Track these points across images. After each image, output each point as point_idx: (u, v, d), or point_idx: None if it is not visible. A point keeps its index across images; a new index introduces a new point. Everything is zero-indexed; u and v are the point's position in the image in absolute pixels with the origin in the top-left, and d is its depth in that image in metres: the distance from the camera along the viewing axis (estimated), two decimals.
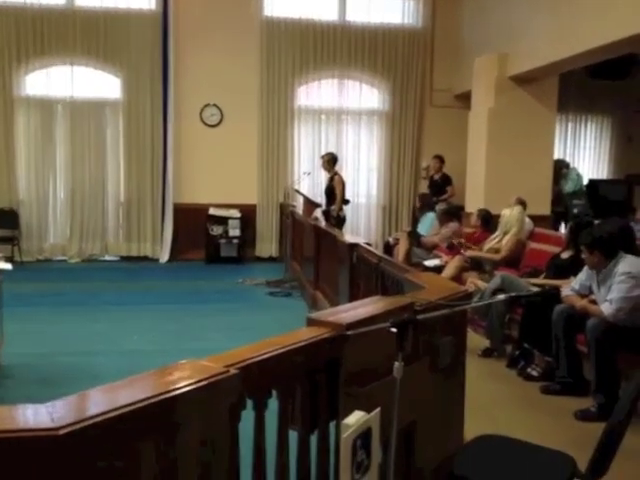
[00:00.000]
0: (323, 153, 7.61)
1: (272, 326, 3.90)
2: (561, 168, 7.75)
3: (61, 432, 1.01)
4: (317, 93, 8.43)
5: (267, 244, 8.37)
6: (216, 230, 7.89)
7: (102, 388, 1.22)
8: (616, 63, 6.56)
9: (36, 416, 1.08)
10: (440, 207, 6.52)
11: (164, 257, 8.08)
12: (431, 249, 6.12)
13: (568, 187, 7.59)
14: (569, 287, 3.51)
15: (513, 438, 1.95)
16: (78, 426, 1.03)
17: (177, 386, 1.21)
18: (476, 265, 5.13)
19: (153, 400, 1.15)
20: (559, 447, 1.91)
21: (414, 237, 6.26)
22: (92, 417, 1.06)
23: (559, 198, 7.43)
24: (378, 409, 1.41)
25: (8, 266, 3.69)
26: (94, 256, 8.05)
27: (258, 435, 1.48)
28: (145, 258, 8.10)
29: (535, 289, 3.67)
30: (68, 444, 1.02)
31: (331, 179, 7.10)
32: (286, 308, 5.59)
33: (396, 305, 1.95)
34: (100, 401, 1.16)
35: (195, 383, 1.24)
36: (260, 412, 1.48)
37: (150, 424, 1.16)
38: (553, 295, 3.51)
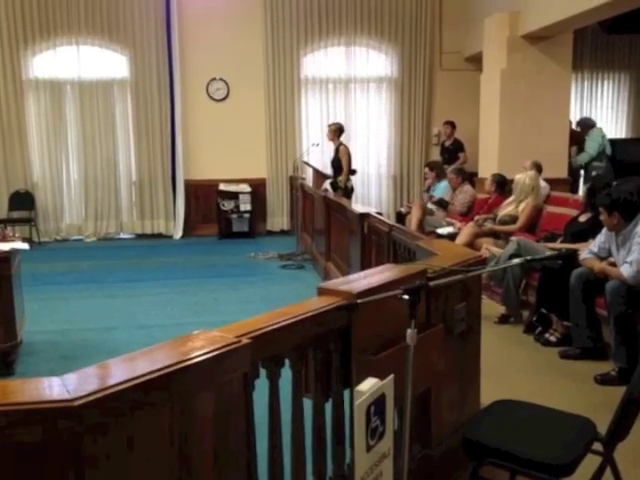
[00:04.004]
0: (330, 122, 7.50)
1: (285, 298, 3.89)
2: (590, 127, 7.40)
3: (76, 403, 1.03)
4: (324, 62, 8.26)
5: (278, 217, 8.35)
6: (227, 205, 7.89)
7: (116, 360, 1.23)
8: (632, 16, 6.28)
9: (52, 388, 1.09)
10: (450, 169, 6.43)
11: (178, 234, 8.12)
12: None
13: (591, 149, 7.27)
14: (587, 250, 3.44)
15: (530, 403, 1.94)
16: (93, 397, 1.05)
17: (189, 357, 1.22)
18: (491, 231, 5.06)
19: (165, 371, 1.16)
20: (579, 412, 1.89)
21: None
22: (106, 388, 1.07)
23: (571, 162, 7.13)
24: (391, 376, 1.40)
25: (25, 246, 3.73)
26: (110, 235, 8.13)
27: (273, 403, 1.49)
28: (159, 235, 8.15)
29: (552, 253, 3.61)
30: (83, 414, 1.03)
31: (336, 150, 7.01)
32: (299, 280, 5.60)
33: (408, 272, 1.92)
34: (114, 372, 1.17)
35: (207, 353, 1.24)
36: (274, 381, 1.48)
37: (163, 394, 1.16)
38: (570, 258, 3.44)
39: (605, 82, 9.02)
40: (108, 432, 1.07)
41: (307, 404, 1.65)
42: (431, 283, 1.57)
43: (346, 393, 1.72)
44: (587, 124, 7.49)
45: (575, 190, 6.96)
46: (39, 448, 1.02)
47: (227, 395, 1.29)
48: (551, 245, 4.06)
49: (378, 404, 1.33)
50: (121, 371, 1.14)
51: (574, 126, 7.57)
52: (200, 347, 1.25)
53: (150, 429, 1.15)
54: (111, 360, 1.23)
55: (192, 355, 1.21)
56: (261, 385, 1.48)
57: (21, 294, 3.71)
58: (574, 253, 3.45)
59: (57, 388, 1.07)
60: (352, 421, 1.49)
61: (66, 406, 1.01)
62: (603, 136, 7.48)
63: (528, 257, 1.93)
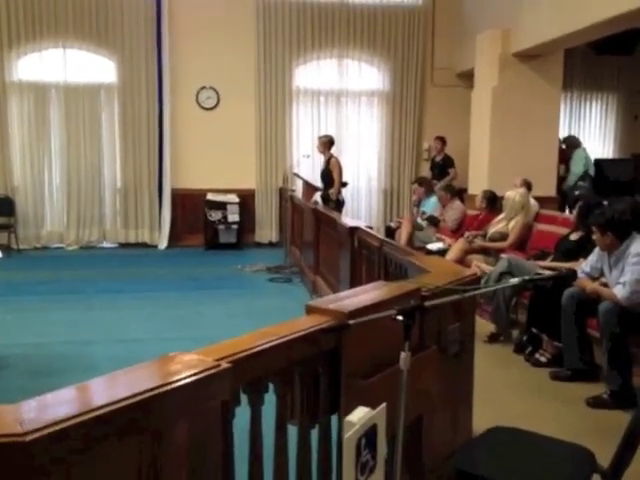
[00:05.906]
0: (321, 134, 7.45)
1: (273, 313, 3.78)
2: (575, 146, 7.43)
3: (28, 438, 0.90)
4: (316, 74, 8.23)
5: (266, 229, 8.24)
6: (214, 216, 7.75)
7: (79, 386, 1.11)
8: (621, 38, 6.35)
9: (4, 419, 0.97)
10: (439, 185, 6.39)
11: (162, 243, 7.96)
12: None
13: (575, 169, 7.30)
14: (579, 270, 3.38)
15: (525, 430, 1.84)
16: (48, 430, 0.92)
17: (161, 383, 1.10)
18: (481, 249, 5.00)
19: (134, 399, 1.04)
20: (571, 436, 1.83)
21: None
22: (63, 421, 0.95)
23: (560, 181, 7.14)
24: (384, 405, 1.30)
25: None
26: (92, 243, 7.93)
27: (254, 433, 1.38)
28: (144, 245, 7.98)
29: (544, 272, 3.54)
30: (36, 451, 0.91)
31: (327, 162, 6.95)
32: (287, 294, 5.48)
33: (401, 291, 1.83)
34: (77, 400, 1.05)
35: (182, 379, 1.13)
36: (255, 409, 1.37)
37: (131, 425, 1.04)
38: (567, 277, 3.37)
39: (594, 102, 9.11)
40: (67, 469, 0.95)
41: (292, 430, 1.54)
42: (426, 303, 1.47)
43: (334, 418, 1.61)
44: (573, 143, 7.55)
45: (562, 210, 6.96)
46: None
47: (204, 425, 1.17)
48: (542, 263, 4.01)
49: (369, 436, 1.22)
50: (82, 401, 1.02)
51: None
52: (175, 372, 1.14)
53: (117, 464, 1.03)
54: (77, 385, 1.11)
55: (165, 382, 1.10)
56: (242, 410, 1.36)
57: None
58: (574, 273, 3.38)
59: (10, 419, 0.95)
60: (340, 449, 1.38)
61: (16, 441, 0.89)
62: (587, 157, 7.54)
63: (526, 277, 1.85)
